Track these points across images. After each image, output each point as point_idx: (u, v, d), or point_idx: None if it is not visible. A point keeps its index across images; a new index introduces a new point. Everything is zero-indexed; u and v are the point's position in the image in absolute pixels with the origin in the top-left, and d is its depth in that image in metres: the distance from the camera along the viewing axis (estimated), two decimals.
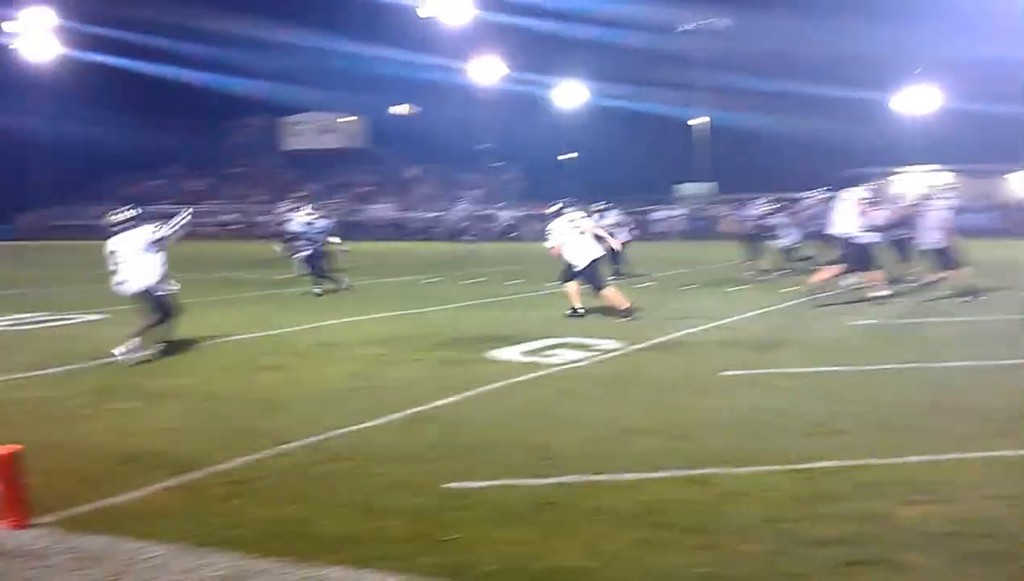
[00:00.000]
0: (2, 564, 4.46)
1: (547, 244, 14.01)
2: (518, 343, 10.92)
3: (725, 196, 49.64)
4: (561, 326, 12.53)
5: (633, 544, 4.55)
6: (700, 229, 46.05)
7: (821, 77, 48.27)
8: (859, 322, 12.60)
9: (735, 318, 13.27)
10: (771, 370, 9.08)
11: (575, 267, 13.59)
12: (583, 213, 14.43)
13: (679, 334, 11.69)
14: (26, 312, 14.85)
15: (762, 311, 14.05)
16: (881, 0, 49.84)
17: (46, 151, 61.47)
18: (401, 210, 57.73)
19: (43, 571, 4.38)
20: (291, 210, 25.31)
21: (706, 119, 56.16)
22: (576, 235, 13.59)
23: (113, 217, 10.51)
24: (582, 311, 13.45)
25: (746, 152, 51.15)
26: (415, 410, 7.51)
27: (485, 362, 9.86)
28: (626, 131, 56.86)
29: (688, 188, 56.11)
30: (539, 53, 57.64)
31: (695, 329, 12.14)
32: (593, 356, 10.08)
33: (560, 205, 14.24)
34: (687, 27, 54.06)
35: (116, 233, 10.36)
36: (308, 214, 19.29)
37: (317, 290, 17.49)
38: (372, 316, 14.03)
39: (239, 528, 4.86)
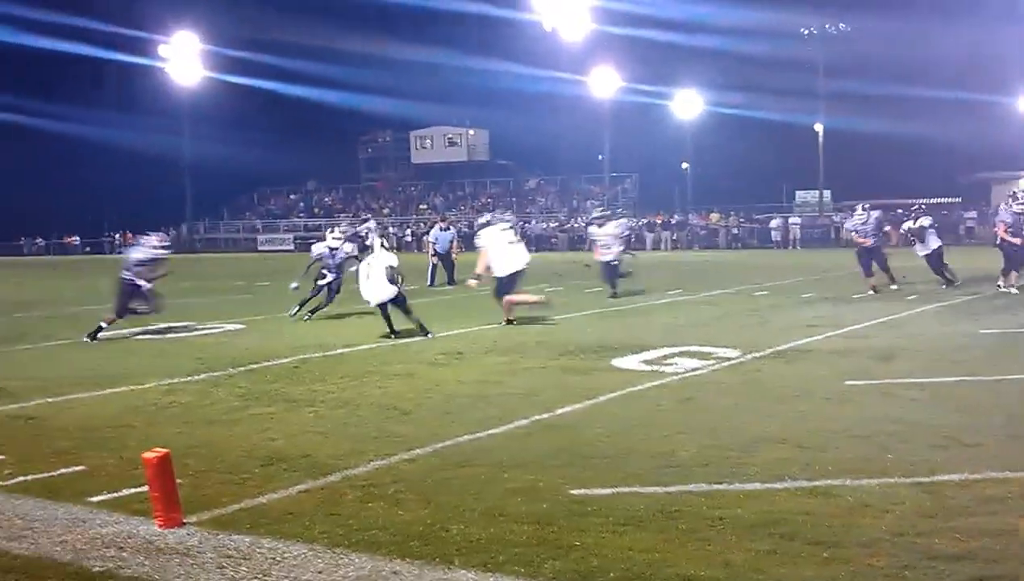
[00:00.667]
0: (156, 562, 4.71)
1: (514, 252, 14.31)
2: (638, 352, 10.96)
3: (842, 203, 48.35)
4: (679, 334, 12.49)
5: (758, 555, 4.53)
6: (818, 237, 45.09)
7: (940, 81, 46.51)
8: (988, 330, 12.16)
9: (859, 326, 12.97)
10: (897, 379, 8.88)
11: (505, 277, 14.03)
12: (510, 224, 14.74)
13: (800, 342, 11.52)
14: (174, 322, 15.61)
15: (887, 319, 13.69)
16: (1001, 2, 47.74)
17: (191, 168, 64.18)
18: (522, 220, 58.19)
19: (192, 568, 4.61)
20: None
21: (820, 126, 54.80)
22: (505, 245, 14.06)
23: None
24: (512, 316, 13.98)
25: (863, 158, 49.64)
26: (539, 417, 7.64)
27: (607, 370, 9.94)
28: (743, 138, 55.95)
29: (804, 195, 54.91)
30: (656, 63, 57.35)
31: (817, 337, 11.94)
32: (713, 364, 10.04)
33: (488, 217, 14.79)
34: (805, 31, 52.82)
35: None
36: (335, 238, 16.10)
37: (306, 316, 15.72)
38: (496, 325, 14.26)
39: (372, 531, 5.03)
